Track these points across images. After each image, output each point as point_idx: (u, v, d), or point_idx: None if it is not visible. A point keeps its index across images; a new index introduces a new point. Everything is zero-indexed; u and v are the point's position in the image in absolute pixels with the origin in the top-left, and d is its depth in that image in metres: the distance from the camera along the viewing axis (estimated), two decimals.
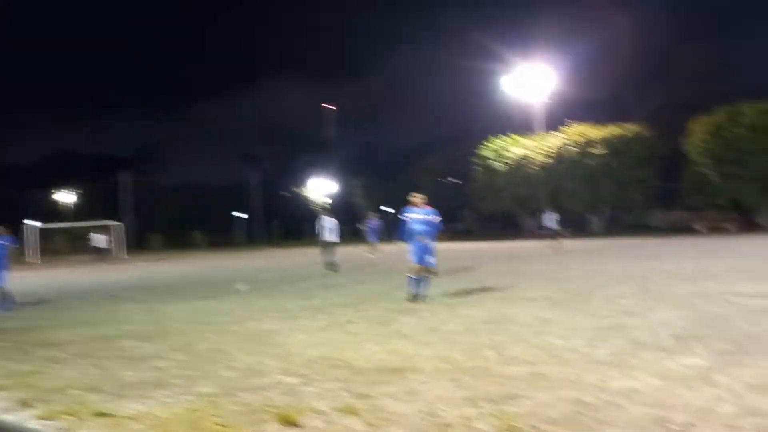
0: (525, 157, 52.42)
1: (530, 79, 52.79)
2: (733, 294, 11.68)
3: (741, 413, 5.02)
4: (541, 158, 51.55)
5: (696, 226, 47.34)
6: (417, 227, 13.03)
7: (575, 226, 52.94)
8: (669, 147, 49.96)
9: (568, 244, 33.09)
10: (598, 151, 49.06)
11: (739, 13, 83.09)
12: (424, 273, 13.01)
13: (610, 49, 60.03)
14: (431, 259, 13.09)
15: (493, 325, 9.57)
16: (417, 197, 13.34)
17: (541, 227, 34.80)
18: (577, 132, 51.16)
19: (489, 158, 54.78)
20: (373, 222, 33.18)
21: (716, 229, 45.45)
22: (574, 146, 50.29)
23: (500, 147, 54.51)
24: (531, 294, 13.09)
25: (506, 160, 53.48)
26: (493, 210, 57.96)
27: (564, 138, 51.41)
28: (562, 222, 33.49)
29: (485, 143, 55.85)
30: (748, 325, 8.57)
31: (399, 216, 13.58)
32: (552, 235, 32.58)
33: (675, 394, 5.61)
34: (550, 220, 33.22)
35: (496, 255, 28.85)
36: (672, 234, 43.74)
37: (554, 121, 54.53)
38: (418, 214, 13.13)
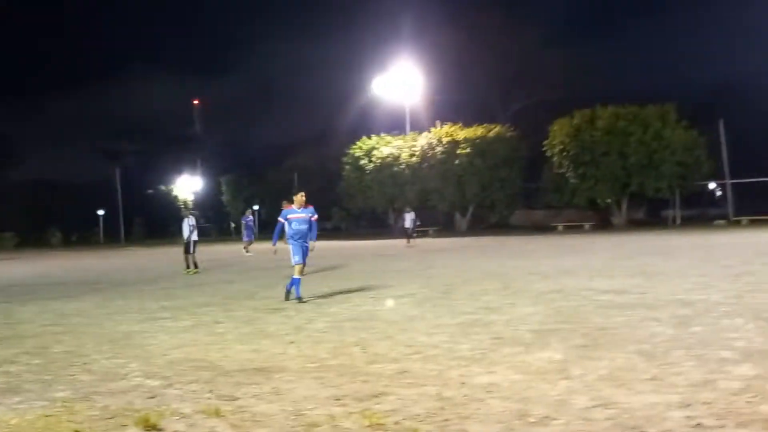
0: (393, 157, 52.98)
1: (400, 80, 53.53)
2: (587, 290, 12.22)
3: (594, 404, 5.22)
4: (409, 158, 52.23)
5: (555, 225, 49.19)
6: (298, 227, 12.74)
7: (442, 224, 54.00)
8: (531, 148, 51.65)
9: (433, 242, 33.74)
10: (463, 151, 50.14)
11: (600, 20, 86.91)
12: (294, 273, 12.72)
13: (477, 53, 61.54)
14: (296, 258, 12.79)
15: (359, 323, 9.63)
16: (299, 196, 13.02)
17: (400, 226, 35.71)
18: (444, 132, 52.13)
19: (358, 157, 55.05)
20: (248, 219, 32.77)
21: (573, 228, 47.39)
22: (441, 146, 51.21)
23: (369, 146, 54.89)
24: (397, 292, 13.25)
25: (375, 159, 53.89)
26: (361, 208, 58.35)
27: (431, 138, 52.28)
28: (429, 221, 34.30)
29: (355, 142, 56.13)
30: (601, 319, 8.98)
31: (280, 215, 13.11)
32: (407, 233, 33.87)
33: (533, 387, 5.79)
34: (407, 219, 34.46)
35: (363, 253, 29.06)
36: (533, 232, 45.30)
37: (422, 121, 55.50)
38: (300, 213, 12.86)
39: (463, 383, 6.03)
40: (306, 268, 13.45)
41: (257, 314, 11.10)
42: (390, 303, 11.70)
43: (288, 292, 12.62)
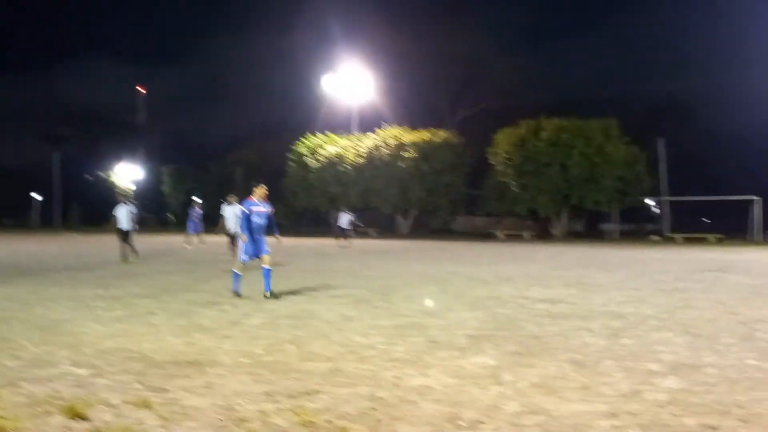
0: (338, 156, 52.92)
1: (350, 79, 53.58)
2: (523, 298, 12.37)
3: (525, 411, 5.29)
4: (354, 158, 52.22)
5: (495, 233, 49.67)
6: (258, 221, 12.40)
7: (383, 226, 54.11)
8: (476, 155, 52.04)
9: (374, 244, 33.80)
10: (409, 154, 50.31)
11: (548, 33, 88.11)
12: (266, 264, 12.39)
13: (427, 58, 61.93)
14: (268, 248, 12.56)
15: (295, 321, 9.59)
16: (260, 189, 12.62)
17: (337, 226, 35.90)
18: (390, 135, 52.25)
19: (303, 154, 54.85)
20: (195, 212, 32.29)
21: (514, 237, 47.92)
22: (387, 148, 51.32)
23: (315, 144, 54.73)
24: (335, 291, 13.22)
25: (320, 158, 53.75)
26: (305, 206, 58.10)
27: (378, 140, 52.35)
28: (371, 222, 34.49)
29: (301, 139, 55.91)
30: (535, 328, 9.09)
31: (243, 204, 12.62)
32: (343, 234, 34.10)
33: (466, 391, 5.84)
34: (343, 219, 34.72)
35: (304, 252, 28.96)
36: (474, 239, 45.70)
37: (370, 122, 55.62)
38: (260, 207, 12.49)
39: (396, 385, 6.05)
40: (247, 264, 13.21)
41: (192, 307, 10.97)
42: (328, 302, 11.66)
43: (270, 292, 12.22)
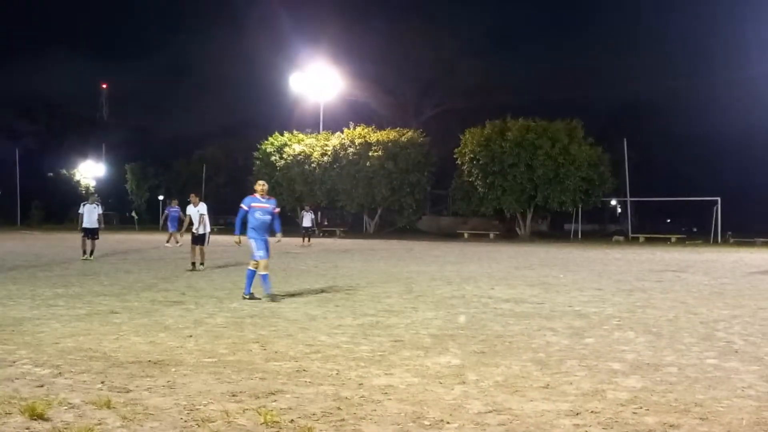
0: (305, 155, 52.77)
1: (317, 78, 53.48)
2: (488, 297, 12.45)
3: (488, 410, 5.31)
4: (320, 157, 52.11)
5: (461, 232, 49.87)
6: (262, 217, 11.99)
7: (349, 225, 54.08)
8: (442, 155, 52.20)
9: (339, 243, 33.79)
10: (375, 153, 50.31)
11: (515, 34, 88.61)
12: (254, 266, 12.04)
13: (395, 57, 62.03)
14: (260, 253, 11.99)
15: (260, 320, 9.55)
16: (259, 185, 12.30)
17: (303, 226, 35.83)
18: (357, 134, 52.22)
19: (269, 153, 54.62)
20: (173, 210, 31.90)
21: (479, 236, 48.15)
22: (353, 147, 51.28)
23: (281, 142, 54.53)
24: (300, 290, 13.20)
25: (286, 156, 53.57)
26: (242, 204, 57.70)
27: (344, 139, 52.30)
28: (337, 221, 34.44)
29: (267, 137, 55.68)
30: (499, 327, 9.15)
31: (242, 202, 12.18)
32: (306, 233, 34.14)
33: (430, 391, 5.85)
34: (306, 218, 34.78)
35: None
36: (439, 238, 45.86)
37: (336, 121, 55.55)
38: (263, 203, 12.10)
39: (360, 384, 6.05)
40: (205, 264, 13.15)
41: (155, 306, 10.88)
42: (292, 301, 11.61)
43: (270, 294, 11.87)
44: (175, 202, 32.59)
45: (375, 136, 51.64)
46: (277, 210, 12.37)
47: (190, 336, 8.25)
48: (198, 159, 67.59)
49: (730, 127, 61.93)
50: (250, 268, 12.06)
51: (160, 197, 63.52)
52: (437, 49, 62.94)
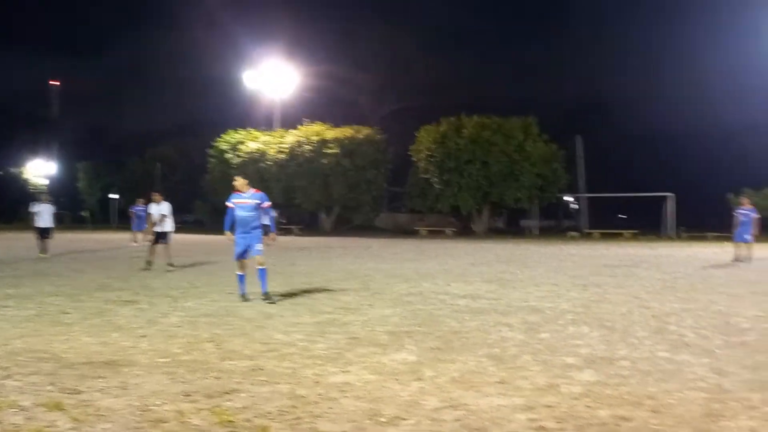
0: (260, 152, 52.41)
1: (272, 75, 53.14)
2: (445, 294, 12.49)
3: (444, 406, 5.33)
4: (276, 154, 51.80)
5: (418, 229, 49.99)
6: (242, 214, 11.57)
7: (306, 223, 53.89)
8: (398, 152, 52.23)
9: (296, 241, 33.67)
10: (331, 151, 50.17)
11: (470, 31, 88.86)
12: (257, 265, 11.67)
13: (351, 54, 61.96)
14: (259, 247, 11.68)
15: (215, 319, 9.46)
16: (238, 180, 11.89)
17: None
18: (313, 131, 52.00)
19: (224, 150, 54.14)
20: (138, 208, 31.28)
21: (435, 233, 48.32)
22: (309, 144, 51.07)
23: (236, 140, 54.10)
24: (256, 288, 13.07)
25: (241, 154, 53.14)
26: (226, 203, 57.28)
27: (300, 135, 52.05)
28: (294, 219, 34.27)
29: (222, 135, 55.18)
30: (455, 323, 9.18)
31: (227, 200, 11.79)
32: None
33: (386, 387, 5.85)
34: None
35: (226, 248, 28.54)
36: (396, 235, 45.91)
37: (292, 118, 55.27)
38: (244, 198, 11.64)
39: (317, 382, 6.03)
40: (174, 264, 12.79)
41: (108, 306, 10.71)
42: (248, 300, 11.52)
43: (242, 295, 11.57)
44: (141, 201, 32.03)
45: (331, 133, 51.48)
46: (266, 204, 11.92)
47: (144, 336, 8.15)
48: (151, 157, 66.75)
49: (683, 125, 63.05)
50: (259, 267, 11.71)
51: (114, 196, 62.69)
52: (393, 46, 62.99)
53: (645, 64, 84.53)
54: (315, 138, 51.32)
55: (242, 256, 11.72)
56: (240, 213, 11.60)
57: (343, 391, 5.74)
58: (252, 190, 11.86)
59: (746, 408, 5.28)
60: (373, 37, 61.93)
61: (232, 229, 11.74)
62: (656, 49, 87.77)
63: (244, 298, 11.47)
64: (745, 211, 22.17)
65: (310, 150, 50.88)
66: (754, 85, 60.44)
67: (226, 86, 59.96)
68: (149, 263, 17.56)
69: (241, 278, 11.73)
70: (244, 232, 11.66)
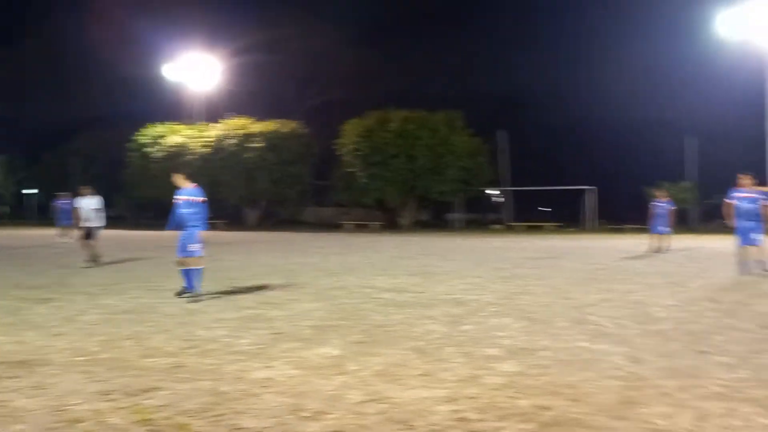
0: (183, 146, 51.59)
1: (194, 67, 52.34)
2: (369, 287, 12.51)
3: (367, 399, 5.33)
4: (199, 148, 51.07)
5: (343, 223, 49.96)
6: (180, 211, 11.08)
7: (231, 218, 53.29)
8: (324, 146, 52.06)
9: (221, 236, 33.30)
10: (256, 144, 49.73)
11: (395, 25, 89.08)
12: (188, 264, 11.15)
13: (275, 47, 61.37)
14: (191, 247, 11.05)
15: (135, 316, 9.28)
16: (176, 176, 11.38)
17: None
18: (237, 124, 51.45)
19: (144, 144, 53.12)
20: (63, 202, 30.12)
21: (361, 227, 48.36)
22: (233, 138, 50.52)
23: (157, 133, 53.13)
24: (178, 284, 12.85)
25: (163, 148, 52.22)
26: (148, 197, 56.26)
27: (224, 129, 51.44)
28: (218, 214, 33.75)
29: (142, 129, 54.11)
30: (380, 317, 9.20)
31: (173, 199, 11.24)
32: None
33: (309, 382, 5.83)
34: None
35: (147, 243, 28.11)
36: (322, 230, 45.80)
37: (215, 111, 54.55)
38: (182, 195, 11.15)
39: (239, 378, 5.97)
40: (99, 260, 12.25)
41: (23, 304, 10.39)
42: (170, 296, 11.31)
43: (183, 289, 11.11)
44: (65, 195, 30.96)
45: (255, 127, 51.02)
46: (198, 200, 11.17)
47: (61, 334, 7.93)
48: (69, 151, 65.05)
49: (605, 119, 64.58)
50: (189, 267, 11.18)
51: (32, 191, 60.91)
52: (319, 39, 62.71)
53: (568, 59, 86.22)
54: (239, 132, 50.80)
55: (182, 251, 11.21)
56: (179, 210, 11.19)
57: (265, 386, 5.69)
58: (191, 186, 11.41)
59: (661, 395, 5.43)
60: (297, 29, 61.49)
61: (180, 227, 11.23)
62: (579, 44, 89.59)
63: (185, 293, 11.07)
64: (662, 204, 22.81)
65: (234, 144, 50.34)
66: (672, 80, 62.26)
67: (146, 79, 58.64)
68: (92, 258, 17.08)
69: (185, 273, 11.22)
70: (186, 229, 11.19)
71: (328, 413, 5.01)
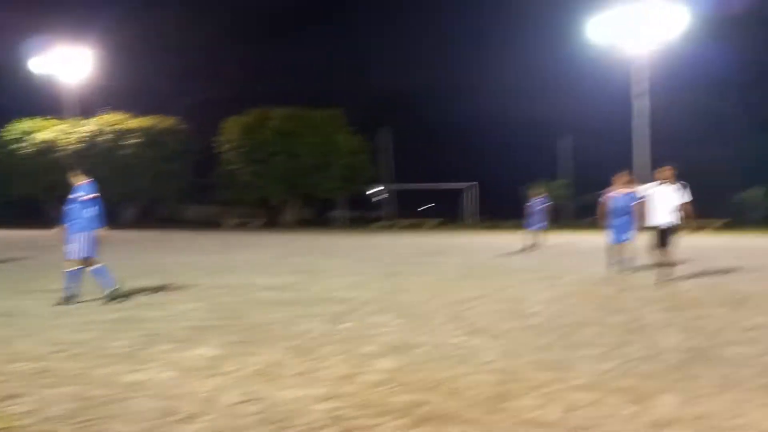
0: (54, 142, 49.67)
1: (66, 61, 50.43)
2: (250, 286, 12.37)
3: (243, 400, 5.25)
4: (72, 144, 49.30)
5: (225, 221, 49.29)
6: (77, 209, 10.50)
7: (108, 216, 51.67)
8: (204, 143, 51.25)
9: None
10: (133, 141, 48.41)
11: (278, 24, 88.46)
12: (85, 264, 10.66)
13: (153, 42, 60.01)
14: (70, 246, 10.56)
15: (0, 319, 8.86)
16: (76, 172, 10.78)
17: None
18: (112, 120, 49.96)
19: (12, 141, 50.83)
20: None
21: (243, 225, 47.83)
22: (109, 134, 49.01)
23: (26, 129, 50.95)
24: (49, 285, 12.38)
25: (33, 144, 50.13)
26: (18, 195, 53.88)
27: (99, 124, 49.84)
28: None
29: (8, 125, 51.75)
30: (259, 316, 9.10)
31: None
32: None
33: (184, 384, 5.70)
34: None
35: (13, 243, 26.90)
36: (203, 228, 45.02)
37: (90, 106, 52.78)
38: (81, 192, 10.60)
39: (109, 382, 5.77)
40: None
41: None
42: (38, 298, 10.87)
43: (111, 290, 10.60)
44: None
45: (132, 122, 49.67)
46: (87, 197, 10.67)
47: None
48: None
49: (485, 118, 66.13)
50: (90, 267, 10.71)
51: None
52: (199, 35, 61.74)
53: (449, 59, 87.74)
54: (115, 127, 49.34)
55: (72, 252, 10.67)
56: (75, 208, 10.62)
57: (137, 390, 5.53)
58: (84, 181, 10.84)
59: (532, 387, 5.58)
60: (177, 25, 60.33)
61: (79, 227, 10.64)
62: (460, 45, 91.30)
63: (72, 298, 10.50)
64: (538, 201, 23.50)
65: (110, 140, 48.87)
66: (548, 82, 64.24)
67: (11, 72, 56.08)
68: None
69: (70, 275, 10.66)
70: (78, 228, 10.65)
71: (202, 415, 4.91)
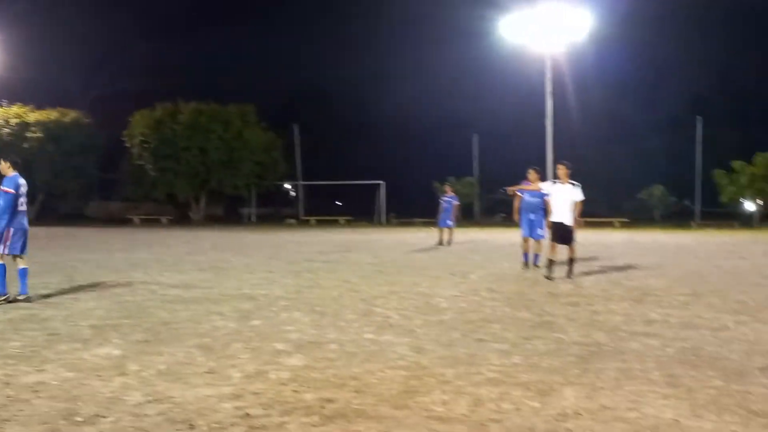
0: None
1: None
2: (156, 284, 12.12)
3: (148, 400, 5.13)
4: None
5: (131, 218, 48.20)
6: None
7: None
8: (110, 138, 49.98)
9: None
10: (34, 134, 46.80)
11: (187, 18, 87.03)
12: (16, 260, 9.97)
13: (56, 32, 58.14)
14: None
15: None
16: (5, 164, 10.01)
17: None
18: (12, 113, 48.17)
19: None
20: None
21: (151, 221, 46.86)
22: (8, 128, 47.24)
23: None
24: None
25: None
26: None
27: None
28: None
29: None
30: (166, 314, 8.91)
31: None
32: None
33: (86, 385, 5.52)
34: None
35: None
36: (108, 225, 43.88)
37: None
38: (6, 186, 9.82)
39: (7, 383, 5.55)
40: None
41: None
42: None
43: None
44: None
45: (34, 116, 48.01)
46: (8, 191, 9.90)
47: None
48: None
49: (396, 116, 66.51)
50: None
51: None
52: (107, 27, 60.19)
53: (361, 56, 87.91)
54: (15, 120, 47.60)
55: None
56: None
57: (36, 391, 5.34)
58: (12, 173, 10.14)
59: (441, 383, 5.62)
60: (84, 16, 58.65)
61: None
62: (372, 42, 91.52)
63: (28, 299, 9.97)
64: (448, 198, 23.75)
65: (9, 133, 47.12)
66: (460, 80, 65.06)
67: None
68: None
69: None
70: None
71: (104, 416, 4.77)
